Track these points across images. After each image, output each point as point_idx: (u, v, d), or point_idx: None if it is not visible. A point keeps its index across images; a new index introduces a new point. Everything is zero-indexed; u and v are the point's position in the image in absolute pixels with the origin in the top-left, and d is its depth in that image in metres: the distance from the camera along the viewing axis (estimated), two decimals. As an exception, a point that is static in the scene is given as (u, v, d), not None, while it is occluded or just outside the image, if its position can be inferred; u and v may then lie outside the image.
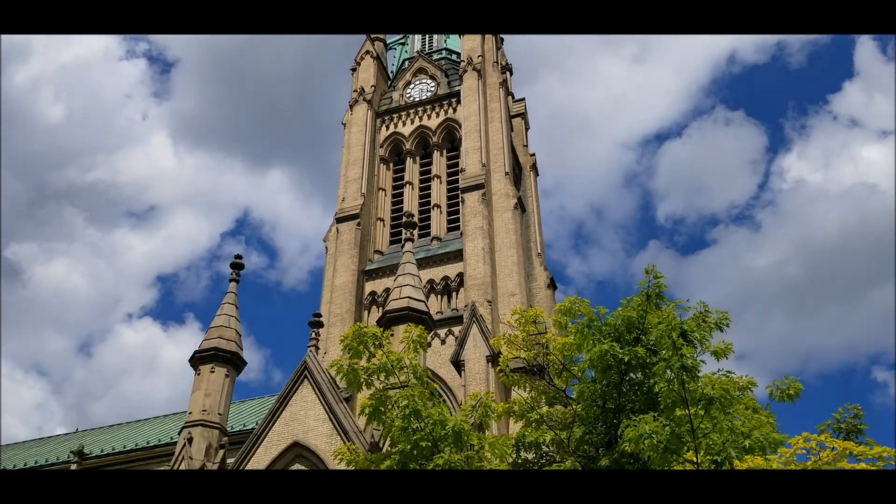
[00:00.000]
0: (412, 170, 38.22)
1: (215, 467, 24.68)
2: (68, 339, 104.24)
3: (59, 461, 31.68)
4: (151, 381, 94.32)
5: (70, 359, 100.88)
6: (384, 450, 13.43)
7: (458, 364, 31.20)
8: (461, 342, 31.40)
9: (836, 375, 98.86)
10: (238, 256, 28.65)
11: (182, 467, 24.16)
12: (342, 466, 22.04)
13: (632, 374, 11.15)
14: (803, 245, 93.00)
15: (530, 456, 12.46)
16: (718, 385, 8.23)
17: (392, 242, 37.33)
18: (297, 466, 24.23)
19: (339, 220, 36.24)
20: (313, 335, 26.98)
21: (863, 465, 8.51)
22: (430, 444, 9.74)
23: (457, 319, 32.86)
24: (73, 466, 28.03)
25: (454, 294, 34.36)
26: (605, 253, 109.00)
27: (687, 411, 8.03)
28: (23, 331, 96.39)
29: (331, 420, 24.46)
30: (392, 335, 20.54)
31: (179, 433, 25.63)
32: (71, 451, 29.88)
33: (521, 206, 36.16)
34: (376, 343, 11.65)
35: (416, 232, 33.91)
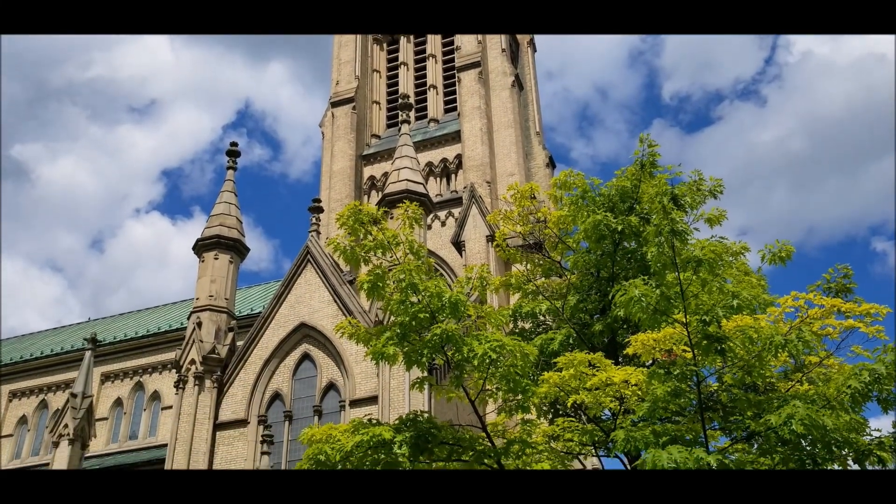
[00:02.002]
0: (407, 50, 37.28)
1: (225, 349, 25.37)
2: (80, 236, 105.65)
3: (74, 349, 32.56)
4: (163, 274, 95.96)
5: (83, 255, 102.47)
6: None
7: (458, 245, 31.49)
8: (461, 223, 31.58)
9: (836, 247, 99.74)
10: (234, 144, 28.41)
11: (192, 351, 24.84)
12: (344, 340, 22.66)
13: (625, 243, 11.28)
14: (808, 119, 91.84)
15: (527, 325, 12.79)
16: (708, 248, 8.32)
17: (389, 126, 36.90)
18: (304, 346, 24.90)
19: (333, 105, 35.68)
20: (314, 220, 27.16)
21: (850, 322, 8.71)
22: (428, 315, 9.92)
23: (456, 201, 32.92)
24: (87, 354, 28.85)
25: (453, 176, 34.26)
26: (609, 134, 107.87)
27: (677, 274, 8.16)
28: (35, 229, 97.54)
29: (335, 301, 24.95)
30: (391, 217, 20.65)
31: (188, 318, 26.21)
32: (84, 339, 30.64)
33: (518, 83, 35.48)
34: (373, 221, 11.69)
35: (412, 114, 33.47)
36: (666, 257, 8.29)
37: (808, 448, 8.05)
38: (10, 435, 32.43)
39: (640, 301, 8.27)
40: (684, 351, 8.23)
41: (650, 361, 9.49)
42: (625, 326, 10.84)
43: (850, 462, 8.36)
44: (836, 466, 8.54)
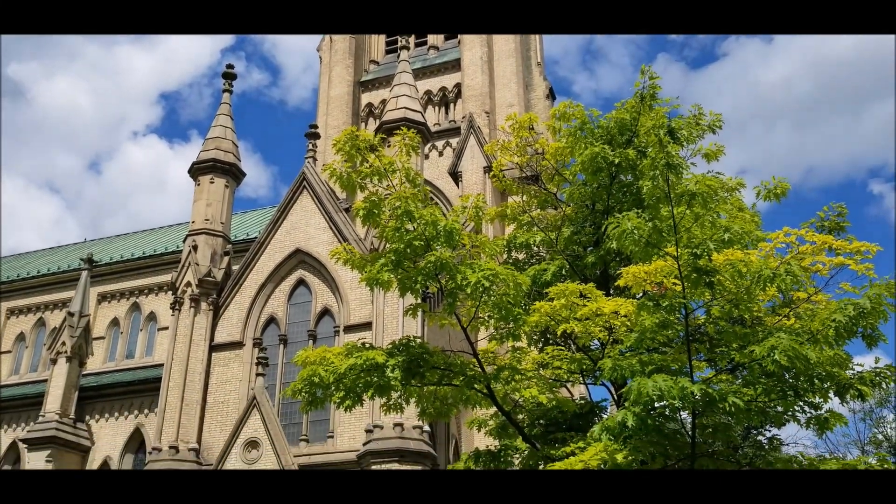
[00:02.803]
0: (408, -27, 36.40)
1: (221, 273, 25.51)
2: (77, 158, 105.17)
3: (71, 268, 32.71)
4: (161, 198, 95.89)
5: (81, 176, 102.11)
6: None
7: (455, 175, 31.39)
8: (458, 153, 31.41)
9: (834, 189, 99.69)
10: (230, 66, 28.00)
11: (188, 274, 24.99)
12: (339, 267, 22.80)
13: (621, 176, 11.27)
14: (814, 58, 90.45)
15: (521, 256, 12.88)
16: (703, 182, 8.33)
17: (388, 52, 36.29)
18: (300, 272, 25.07)
19: (333, 28, 35.00)
20: (310, 147, 26.98)
21: (840, 259, 8.80)
22: (422, 243, 9.96)
23: (454, 131, 32.67)
24: (84, 273, 28.99)
25: (452, 105, 33.90)
26: (613, 68, 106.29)
27: (670, 208, 8.20)
28: (33, 149, 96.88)
29: (331, 228, 25.01)
30: (388, 145, 20.53)
31: (184, 241, 26.28)
32: (80, 259, 30.77)
33: (521, 12, 34.77)
34: (369, 147, 11.63)
35: (412, 40, 32.88)
36: (660, 191, 8.31)
37: (790, 380, 8.23)
38: (9, 351, 32.87)
39: (632, 234, 8.33)
40: (674, 284, 8.33)
41: (640, 293, 9.61)
42: (617, 259, 10.93)
43: (832, 394, 8.57)
44: (817, 399, 8.76)
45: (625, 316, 8.99)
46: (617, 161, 10.78)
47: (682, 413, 9.25)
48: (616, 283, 10.04)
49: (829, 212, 10.30)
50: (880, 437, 40.88)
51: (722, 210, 9.98)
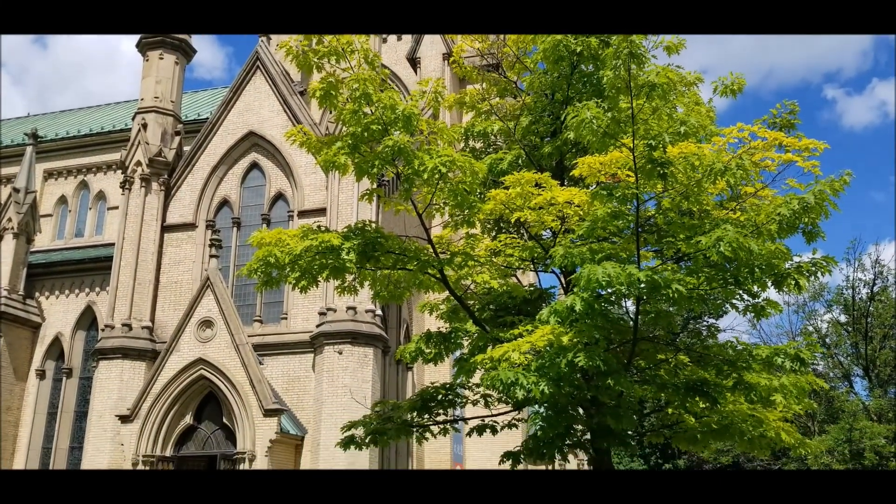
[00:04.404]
0: None
1: (172, 153, 24.99)
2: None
3: (14, 143, 31.64)
4: (113, 75, 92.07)
5: (26, 49, 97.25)
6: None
7: (413, 61, 30.75)
8: (417, 38, 30.65)
9: (790, 91, 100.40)
10: (180, -67, 26.54)
11: (138, 153, 24.43)
12: (294, 151, 22.54)
13: (583, 66, 11.19)
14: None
15: (478, 145, 12.86)
16: (664, 73, 8.35)
17: (348, -74, 34.64)
18: (253, 155, 24.70)
19: None
20: (265, 24, 26.09)
21: (789, 156, 9.01)
22: (380, 127, 9.87)
23: (415, 14, 31.74)
24: (29, 149, 28.09)
25: (413, -14, 32.81)
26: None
27: (630, 99, 8.24)
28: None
29: (285, 111, 24.52)
30: (346, 25, 19.90)
31: (133, 119, 25.55)
32: (24, 133, 29.76)
33: None
34: (327, 26, 11.27)
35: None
36: (621, 81, 8.31)
37: (732, 270, 8.57)
38: (-49, 227, 32.08)
39: (590, 123, 8.37)
40: (628, 175, 8.47)
41: (594, 184, 9.77)
42: (573, 150, 11.00)
43: (770, 284, 8.96)
44: (755, 289, 9.16)
45: (578, 206, 9.15)
46: (579, 50, 10.67)
47: (626, 301, 9.61)
48: (571, 174, 10.15)
49: (782, 109, 10.43)
50: (811, 328, 43.10)
51: (679, 103, 10.05)
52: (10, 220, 26.38)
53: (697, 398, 9.62)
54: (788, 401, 9.75)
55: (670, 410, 10.57)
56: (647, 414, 12.35)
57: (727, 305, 9.84)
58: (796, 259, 9.13)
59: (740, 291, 9.21)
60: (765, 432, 10.25)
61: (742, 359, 9.57)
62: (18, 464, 24.89)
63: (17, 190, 27.01)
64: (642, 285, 7.80)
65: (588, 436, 10.53)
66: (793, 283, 8.75)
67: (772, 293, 9.61)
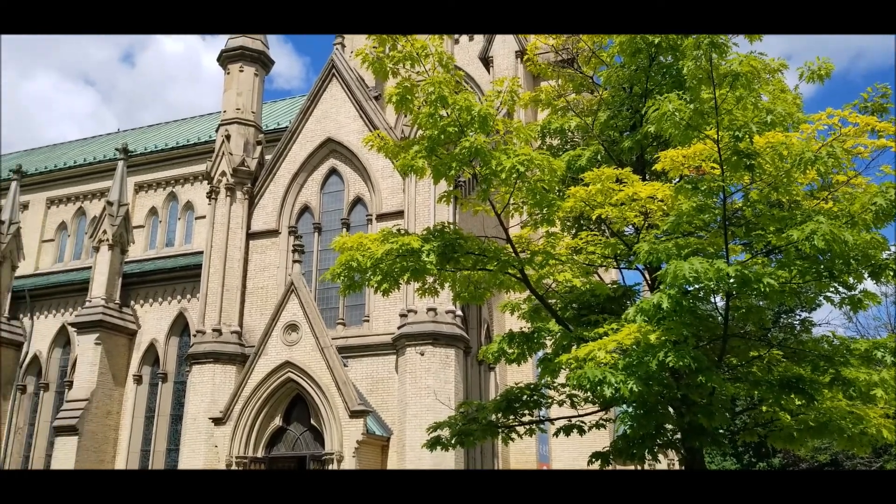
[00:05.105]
0: None
1: (254, 162, 25.70)
2: (110, 49, 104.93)
3: (106, 158, 33.13)
4: (196, 89, 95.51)
5: (114, 68, 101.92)
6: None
7: (485, 60, 30.72)
8: (489, 37, 30.62)
9: (880, 74, 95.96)
10: (255, -52, 27.21)
11: (223, 163, 25.19)
12: (370, 156, 22.84)
13: (661, 57, 10.95)
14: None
15: (555, 142, 12.76)
16: (747, 61, 8.10)
17: (417, -70, 34.86)
18: (331, 161, 25.15)
19: None
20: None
21: (882, 142, 8.62)
22: (456, 129, 9.90)
23: (486, 13, 31.70)
24: (120, 163, 29.35)
25: (483, -14, 32.77)
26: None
27: (712, 89, 8.02)
28: (64, 42, 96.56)
29: (361, 116, 24.87)
30: (419, 28, 20.04)
31: (216, 131, 26.37)
32: (115, 149, 31.07)
33: None
34: (401, 31, 11.38)
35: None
36: (703, 71, 8.10)
37: (826, 262, 8.25)
38: (52, 240, 33.82)
39: (672, 116, 8.19)
40: (713, 167, 8.25)
41: (677, 178, 9.55)
42: (654, 143, 10.78)
43: (866, 275, 8.60)
44: (851, 280, 8.79)
45: (661, 200, 8.97)
46: (657, 41, 10.46)
47: (715, 297, 9.36)
48: (653, 168, 9.95)
49: (874, 93, 9.97)
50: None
51: (764, 92, 9.73)
52: (105, 232, 27.61)
53: (793, 395, 9.30)
54: (890, 396, 9.34)
55: (764, 408, 10.25)
56: (739, 412, 12.01)
57: (821, 298, 9.49)
58: (893, 248, 8.74)
59: (835, 284, 8.87)
60: (865, 429, 9.84)
61: (839, 353, 9.21)
62: (119, 465, 26.01)
63: (110, 203, 28.25)
64: (732, 280, 7.59)
65: (679, 435, 10.31)
66: (891, 273, 8.37)
67: (869, 284, 9.21)
